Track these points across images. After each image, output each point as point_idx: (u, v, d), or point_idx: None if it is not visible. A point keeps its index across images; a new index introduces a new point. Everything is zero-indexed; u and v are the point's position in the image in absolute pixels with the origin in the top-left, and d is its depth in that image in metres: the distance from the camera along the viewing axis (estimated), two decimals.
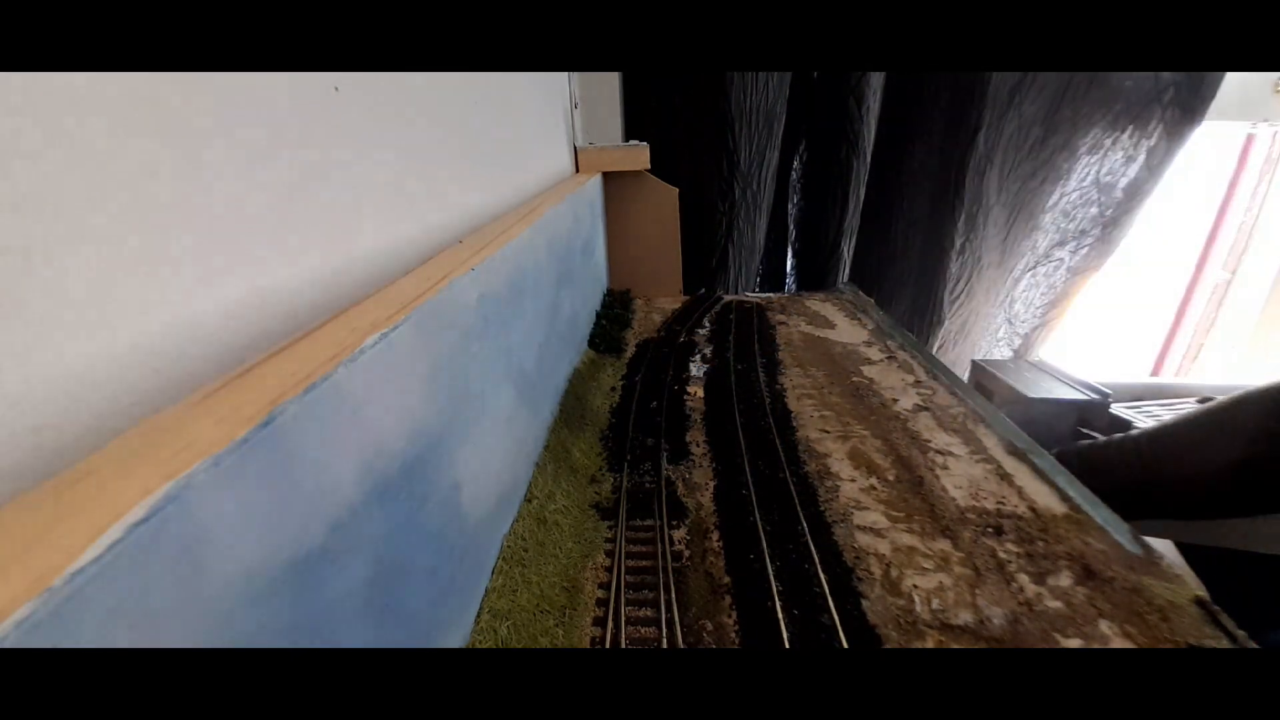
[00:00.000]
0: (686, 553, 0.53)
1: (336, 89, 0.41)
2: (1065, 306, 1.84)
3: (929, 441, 0.70)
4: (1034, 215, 1.66)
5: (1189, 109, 1.55)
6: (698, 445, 0.70)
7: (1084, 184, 1.64)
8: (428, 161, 0.55)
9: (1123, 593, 0.47)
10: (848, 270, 1.66)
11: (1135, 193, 1.65)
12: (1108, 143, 1.58)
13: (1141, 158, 1.61)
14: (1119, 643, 0.43)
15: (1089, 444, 1.07)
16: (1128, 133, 1.57)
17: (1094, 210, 1.67)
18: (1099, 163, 1.61)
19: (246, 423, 0.22)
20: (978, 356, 1.74)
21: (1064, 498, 0.59)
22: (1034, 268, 1.76)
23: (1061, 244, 1.73)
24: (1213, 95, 1.53)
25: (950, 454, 0.67)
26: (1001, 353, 1.88)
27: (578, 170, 1.21)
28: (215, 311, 0.31)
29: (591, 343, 0.98)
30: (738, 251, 1.55)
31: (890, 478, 0.63)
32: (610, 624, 0.45)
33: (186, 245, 0.29)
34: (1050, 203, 1.66)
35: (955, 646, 0.43)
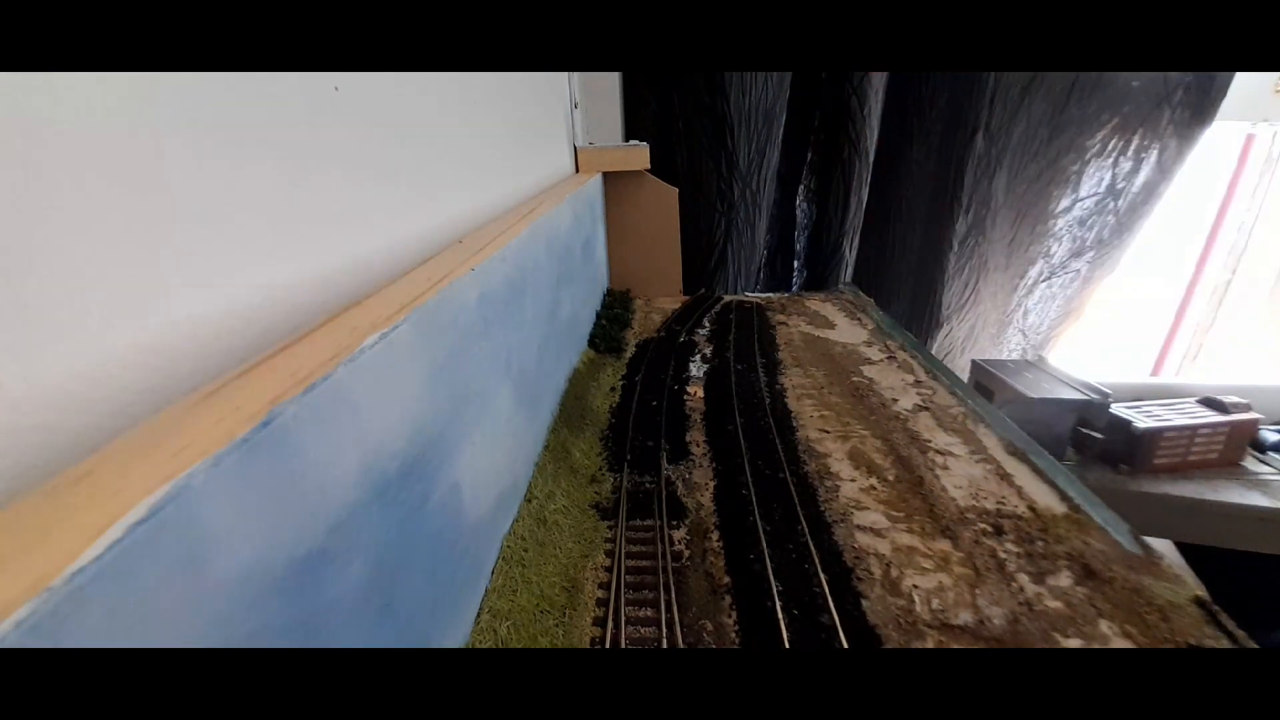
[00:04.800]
0: (686, 553, 0.53)
1: (336, 89, 0.41)
2: (1079, 314, 1.83)
3: (929, 441, 0.70)
4: (1040, 218, 1.65)
5: (1199, 110, 1.54)
6: (698, 445, 0.70)
7: (1099, 190, 1.62)
8: (426, 162, 0.55)
9: (1123, 593, 0.47)
10: (849, 270, 1.66)
11: (1149, 195, 1.64)
12: (1119, 145, 1.57)
13: (1153, 160, 1.59)
14: (1119, 643, 0.43)
15: None
16: (1138, 135, 1.56)
17: (1111, 219, 1.66)
18: (1110, 168, 1.60)
19: (246, 423, 0.22)
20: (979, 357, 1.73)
21: (1064, 498, 0.59)
22: (1049, 278, 1.74)
23: (1079, 254, 1.70)
24: (1223, 96, 1.53)
25: (950, 454, 0.67)
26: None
27: (578, 170, 1.21)
28: (227, 302, 0.31)
29: (591, 343, 0.98)
30: (737, 251, 1.55)
31: (890, 478, 0.63)
32: (610, 624, 0.45)
33: (189, 242, 0.29)
34: (1060, 208, 1.64)
35: (955, 646, 0.43)
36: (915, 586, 0.49)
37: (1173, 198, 1.70)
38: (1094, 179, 1.61)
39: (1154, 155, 1.59)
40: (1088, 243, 1.69)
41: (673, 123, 1.44)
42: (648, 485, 0.61)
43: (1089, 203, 1.64)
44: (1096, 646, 0.43)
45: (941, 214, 1.59)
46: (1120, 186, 1.62)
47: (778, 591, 0.47)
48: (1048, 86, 1.49)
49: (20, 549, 0.15)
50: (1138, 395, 1.48)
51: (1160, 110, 1.54)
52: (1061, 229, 1.67)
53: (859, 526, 0.56)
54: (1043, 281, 1.75)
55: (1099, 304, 1.93)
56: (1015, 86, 1.46)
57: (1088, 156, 1.58)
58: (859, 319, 1.14)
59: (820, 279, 1.65)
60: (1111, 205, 1.64)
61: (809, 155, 1.58)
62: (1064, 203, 1.63)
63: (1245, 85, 1.75)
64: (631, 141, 1.30)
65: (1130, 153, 1.58)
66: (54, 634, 0.14)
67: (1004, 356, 1.84)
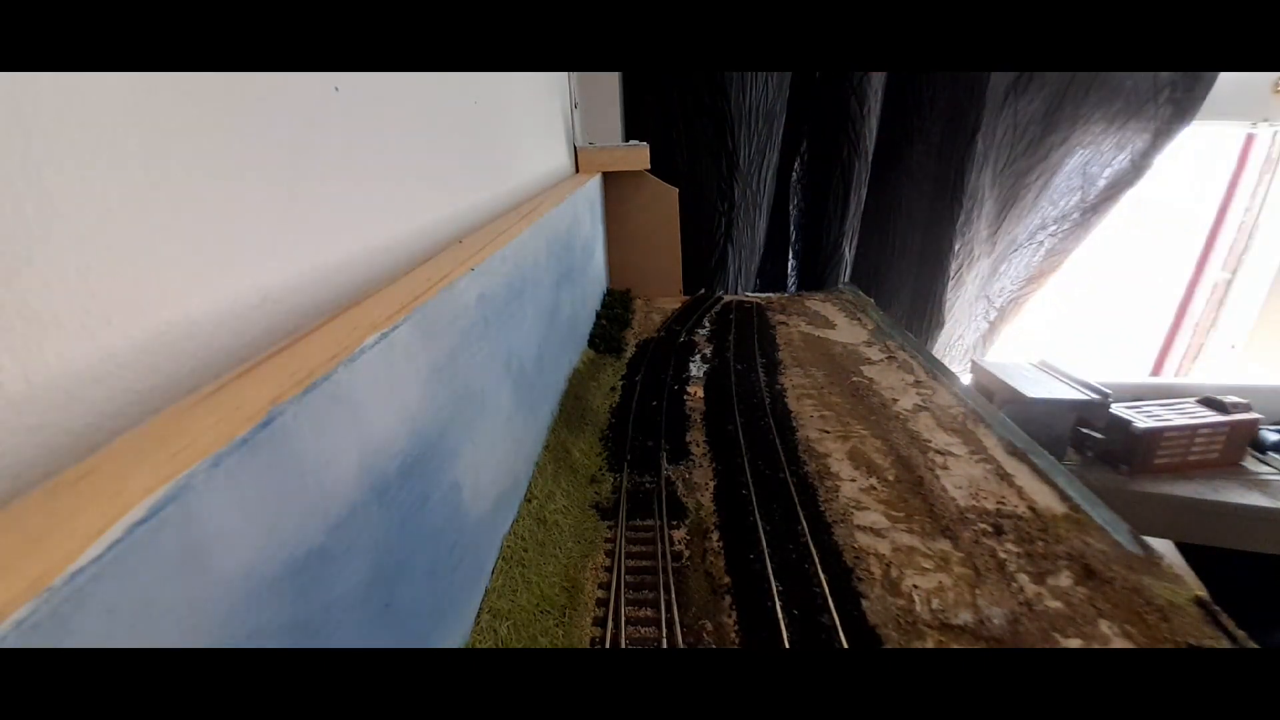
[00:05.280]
0: (686, 553, 0.53)
1: (336, 89, 0.41)
2: (1040, 284, 1.88)
3: (929, 441, 0.70)
4: (1025, 209, 1.69)
5: (1182, 107, 1.56)
6: (698, 445, 0.70)
7: (1070, 173, 1.67)
8: (426, 163, 0.55)
9: (1123, 593, 0.47)
10: (848, 270, 1.66)
11: (1117, 184, 1.69)
12: (1101, 138, 1.61)
13: (1128, 152, 1.63)
14: (1119, 643, 0.43)
15: None
16: (1122, 129, 1.59)
17: (1076, 197, 1.71)
18: (1088, 154, 1.64)
19: (246, 423, 0.22)
20: (957, 336, 1.78)
21: (1064, 497, 0.59)
22: (1017, 249, 1.79)
23: (1043, 226, 1.77)
24: (1205, 94, 1.55)
25: (950, 454, 0.67)
26: (978, 326, 1.91)
27: (578, 170, 1.21)
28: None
29: (591, 342, 0.98)
30: (737, 251, 1.55)
31: (890, 478, 0.63)
32: (610, 624, 0.45)
33: (189, 243, 0.29)
34: (1039, 193, 1.69)
35: (955, 646, 0.43)
36: (915, 586, 0.49)
37: (1172, 195, 1.72)
38: (1070, 164, 1.65)
39: (1129, 148, 1.62)
40: (1051, 217, 1.74)
41: (673, 123, 1.44)
42: (648, 485, 0.61)
43: (1060, 185, 1.68)
44: (1096, 646, 0.43)
45: (941, 214, 1.59)
46: (1091, 170, 1.66)
47: (778, 591, 0.47)
48: (1039, 83, 1.50)
49: (20, 549, 0.15)
50: (1138, 395, 1.48)
51: (1146, 107, 1.56)
52: (1032, 206, 1.71)
53: (859, 526, 0.56)
54: (1012, 253, 1.79)
55: (1100, 305, 1.93)
56: (1001, 85, 1.47)
57: (1076, 150, 1.61)
58: (859, 319, 1.14)
59: (820, 279, 1.65)
60: (1080, 184, 1.69)
61: (809, 155, 1.58)
62: (1042, 188, 1.67)
63: (1245, 85, 1.75)
64: (631, 141, 1.30)
65: (1109, 143, 1.62)
66: (54, 634, 0.14)
67: (970, 322, 1.87)
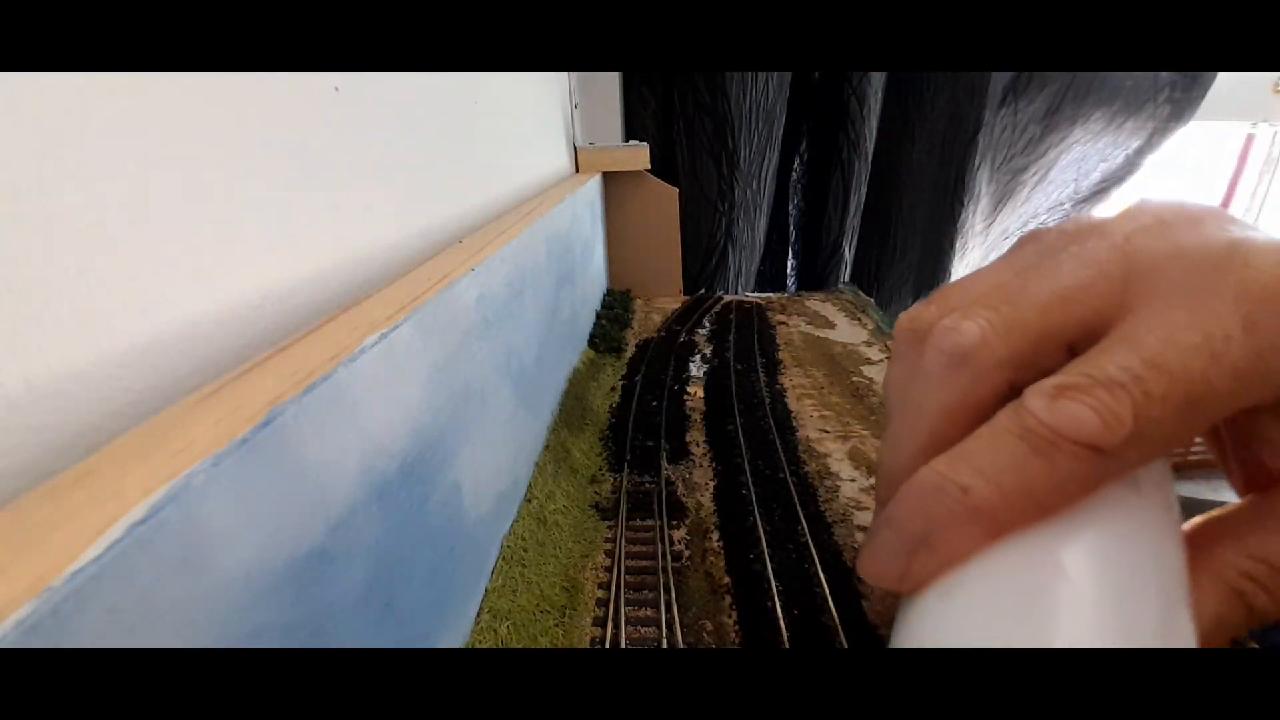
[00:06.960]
0: (686, 553, 0.53)
1: (337, 89, 0.41)
2: None
3: None
4: (1019, 204, 1.69)
5: (1180, 107, 1.56)
6: (697, 445, 0.70)
7: (1065, 167, 1.67)
8: (426, 163, 0.55)
9: None
10: (848, 270, 1.66)
11: (1108, 180, 1.69)
12: (1100, 137, 1.61)
13: (1123, 150, 1.63)
14: None
15: None
16: (1119, 128, 1.59)
17: (1069, 189, 1.70)
18: (1085, 150, 1.64)
19: (246, 423, 0.22)
20: None
21: None
22: (1008, 239, 1.79)
23: (1035, 215, 1.76)
24: (1204, 95, 1.54)
25: None
26: None
27: (577, 170, 1.21)
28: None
29: (591, 342, 0.98)
30: (737, 251, 1.55)
31: None
32: (610, 624, 0.45)
33: (189, 242, 0.29)
34: (1034, 188, 1.69)
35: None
36: None
37: (1172, 195, 1.71)
38: (1065, 160, 1.64)
39: (1125, 146, 1.62)
40: (1044, 207, 1.74)
41: (673, 123, 1.44)
42: (648, 485, 0.61)
43: (1056, 179, 1.67)
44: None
45: (942, 214, 1.59)
46: (1086, 166, 1.66)
47: (778, 591, 0.47)
48: (1041, 82, 1.50)
49: (20, 549, 0.15)
50: None
51: (1145, 107, 1.55)
52: (1025, 200, 1.71)
53: (859, 527, 0.56)
54: (1004, 241, 1.78)
55: None
56: (999, 85, 1.47)
57: (1074, 148, 1.60)
58: (859, 319, 1.14)
59: (819, 279, 1.65)
60: (1074, 176, 1.69)
61: (809, 155, 1.58)
62: (1037, 183, 1.67)
63: (1244, 85, 1.75)
64: (631, 141, 1.30)
65: (1107, 143, 1.62)
66: (54, 634, 0.14)
67: None
